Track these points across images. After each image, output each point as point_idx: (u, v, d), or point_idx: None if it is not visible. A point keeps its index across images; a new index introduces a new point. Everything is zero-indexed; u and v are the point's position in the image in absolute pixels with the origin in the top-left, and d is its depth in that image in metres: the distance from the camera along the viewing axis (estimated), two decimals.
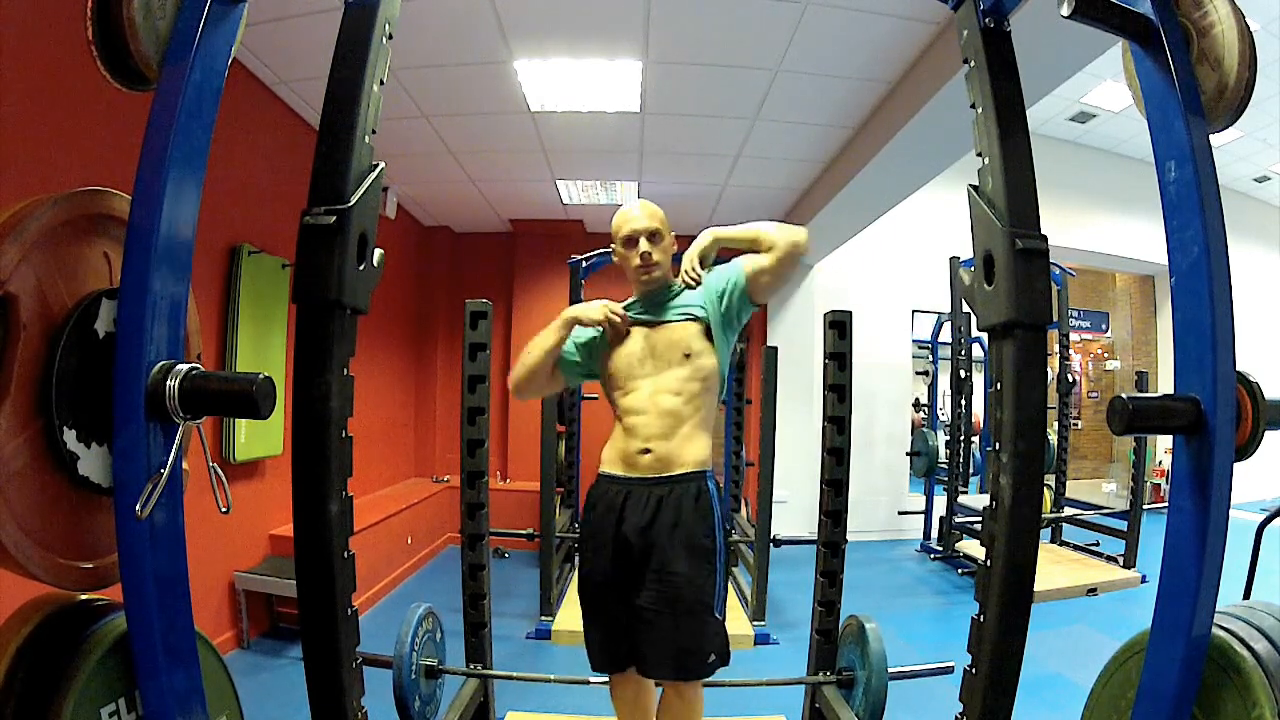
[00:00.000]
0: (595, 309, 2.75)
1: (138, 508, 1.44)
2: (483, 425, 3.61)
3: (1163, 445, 11.62)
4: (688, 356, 2.71)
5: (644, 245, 2.74)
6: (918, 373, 12.40)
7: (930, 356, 10.77)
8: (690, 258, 2.73)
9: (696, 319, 2.74)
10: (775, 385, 5.99)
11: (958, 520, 8.31)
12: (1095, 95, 9.42)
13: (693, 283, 2.72)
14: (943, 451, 9.28)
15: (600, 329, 2.80)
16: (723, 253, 2.79)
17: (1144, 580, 7.06)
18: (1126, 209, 10.84)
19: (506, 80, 5.43)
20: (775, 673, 3.89)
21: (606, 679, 2.90)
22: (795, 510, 8.87)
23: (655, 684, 2.91)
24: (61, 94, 3.59)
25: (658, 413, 2.67)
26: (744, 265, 2.75)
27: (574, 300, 7.40)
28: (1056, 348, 8.61)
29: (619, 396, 2.78)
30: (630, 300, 2.86)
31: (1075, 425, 13.63)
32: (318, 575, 1.89)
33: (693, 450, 2.70)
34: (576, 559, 2.82)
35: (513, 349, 9.54)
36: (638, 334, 2.77)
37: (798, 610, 6.42)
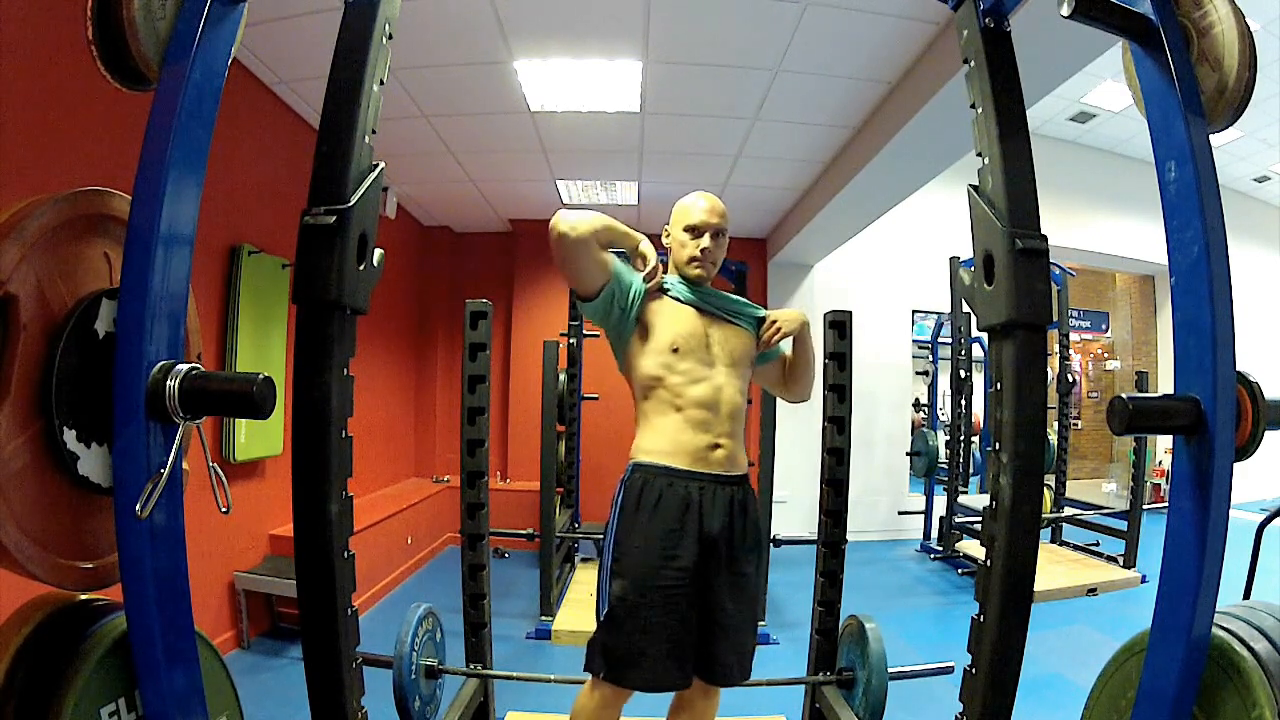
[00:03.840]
0: (650, 261, 2.68)
1: (138, 508, 1.45)
2: (483, 425, 3.61)
3: (1163, 445, 11.63)
4: (749, 367, 2.75)
5: (707, 241, 2.68)
6: (918, 373, 12.40)
7: (930, 356, 10.77)
8: (785, 328, 2.73)
9: (750, 338, 2.76)
10: None
11: (958, 520, 8.32)
12: (1095, 95, 9.42)
13: (764, 341, 2.75)
14: (943, 451, 9.29)
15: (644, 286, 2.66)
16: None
17: (1144, 580, 7.06)
18: (1127, 209, 10.84)
19: (506, 80, 5.43)
20: (775, 673, 3.88)
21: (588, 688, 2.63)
22: (795, 510, 8.87)
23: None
24: (62, 94, 3.59)
25: (729, 410, 2.60)
26: (778, 363, 2.94)
27: (574, 302, 7.40)
28: (1056, 348, 8.62)
29: (683, 384, 2.58)
30: (674, 280, 2.76)
31: (1075, 425, 13.63)
32: (318, 575, 1.89)
33: (745, 453, 2.69)
34: (619, 565, 2.53)
35: (513, 349, 9.56)
36: (690, 314, 2.68)
37: (798, 610, 6.43)
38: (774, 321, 2.73)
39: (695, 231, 2.69)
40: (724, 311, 2.72)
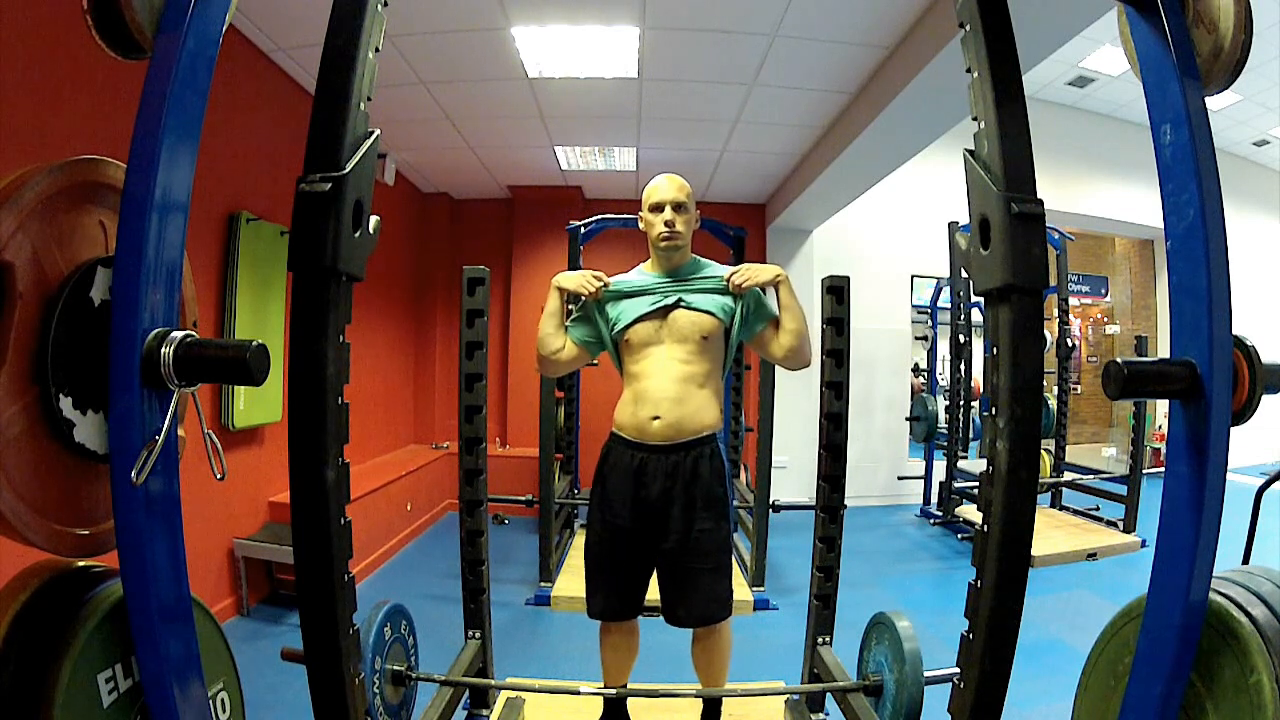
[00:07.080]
0: (573, 276, 2.97)
1: (133, 474, 1.45)
2: (480, 391, 3.61)
3: (1163, 409, 11.61)
4: (705, 339, 2.91)
5: (668, 214, 2.91)
6: (917, 338, 12.40)
7: (930, 321, 10.76)
8: (754, 276, 2.89)
9: (716, 317, 2.92)
10: None
11: (957, 485, 8.36)
12: (1094, 59, 9.34)
13: (731, 285, 2.90)
14: (942, 416, 9.31)
15: (585, 298, 2.98)
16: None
17: (1144, 545, 7.09)
18: (1126, 173, 10.78)
19: (504, 46, 5.39)
20: (774, 636, 3.89)
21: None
22: (795, 475, 8.90)
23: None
24: (58, 63, 3.57)
25: (670, 379, 2.87)
26: (767, 327, 2.99)
27: (572, 267, 7.40)
28: (1056, 312, 8.61)
29: (632, 362, 2.95)
30: (654, 276, 3.02)
31: (1075, 390, 13.63)
32: (314, 542, 1.89)
33: (704, 417, 2.91)
34: (587, 516, 3.08)
35: (512, 315, 9.56)
36: (642, 302, 2.95)
37: (797, 576, 6.46)
38: (743, 271, 2.92)
39: (658, 208, 2.95)
40: (681, 291, 2.95)
